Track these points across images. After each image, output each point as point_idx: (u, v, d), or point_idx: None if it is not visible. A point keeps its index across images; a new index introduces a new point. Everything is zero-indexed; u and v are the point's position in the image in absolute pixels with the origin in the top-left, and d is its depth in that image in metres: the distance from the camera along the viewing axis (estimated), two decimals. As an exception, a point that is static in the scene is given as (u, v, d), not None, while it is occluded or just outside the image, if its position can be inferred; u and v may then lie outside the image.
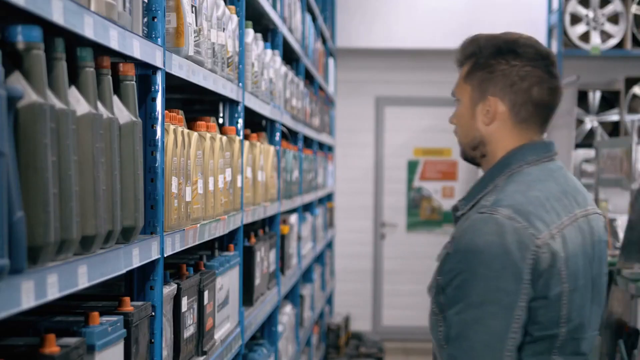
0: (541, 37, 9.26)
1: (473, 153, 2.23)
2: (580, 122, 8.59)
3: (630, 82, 8.57)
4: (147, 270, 2.28)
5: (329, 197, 8.47)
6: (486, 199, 2.13)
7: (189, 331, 2.59)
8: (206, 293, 2.76)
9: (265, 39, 4.45)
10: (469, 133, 2.22)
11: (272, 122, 4.54)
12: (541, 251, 2.06)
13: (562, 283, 2.09)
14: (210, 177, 2.81)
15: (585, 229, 2.15)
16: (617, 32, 8.53)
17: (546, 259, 2.06)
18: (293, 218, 5.30)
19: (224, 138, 3.01)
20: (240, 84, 3.44)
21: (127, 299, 2.09)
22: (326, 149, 8.12)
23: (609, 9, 8.52)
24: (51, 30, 1.64)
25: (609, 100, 8.66)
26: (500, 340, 2.04)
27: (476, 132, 2.21)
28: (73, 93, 1.77)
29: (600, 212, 2.20)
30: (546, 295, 2.07)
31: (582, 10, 8.58)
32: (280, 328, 4.63)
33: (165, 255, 2.31)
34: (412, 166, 9.65)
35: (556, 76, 2.19)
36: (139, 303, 2.16)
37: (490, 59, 2.17)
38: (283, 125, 4.82)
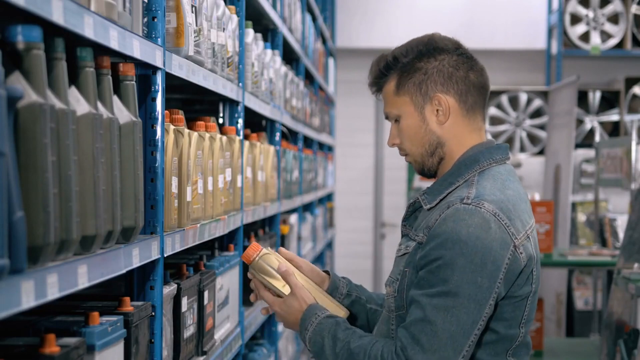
0: (541, 37, 9.27)
1: (432, 160, 2.20)
2: (580, 122, 8.59)
3: (630, 82, 8.57)
4: (147, 270, 2.28)
5: (329, 197, 8.47)
6: (461, 191, 2.11)
7: (189, 331, 2.59)
8: (206, 293, 2.76)
9: (265, 39, 4.45)
10: (424, 139, 2.19)
11: (272, 122, 4.54)
12: (518, 252, 2.07)
13: (532, 284, 2.12)
14: (210, 177, 2.81)
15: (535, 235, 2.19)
16: (617, 32, 8.54)
17: (522, 260, 2.07)
18: (293, 218, 5.30)
19: (224, 138, 3.01)
20: (240, 84, 3.44)
21: (127, 299, 2.09)
22: (326, 149, 8.12)
23: (609, 9, 8.52)
24: (51, 30, 1.64)
25: (609, 100, 8.66)
26: (465, 335, 2.02)
27: (432, 136, 2.18)
28: (73, 93, 1.77)
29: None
30: (516, 294, 2.09)
31: (582, 10, 8.58)
32: (280, 328, 4.63)
33: (165, 255, 2.31)
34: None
35: (476, 59, 2.21)
36: (139, 303, 2.16)
37: (416, 62, 2.17)
38: (283, 125, 4.82)
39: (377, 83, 2.22)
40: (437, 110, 2.17)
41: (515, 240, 2.06)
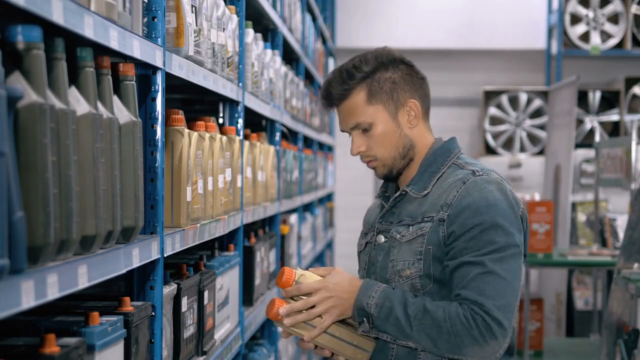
0: (541, 37, 9.27)
1: (402, 162, 2.34)
2: (580, 122, 8.59)
3: (630, 82, 8.57)
4: (147, 270, 2.28)
5: (329, 197, 8.47)
6: (458, 172, 2.28)
7: (189, 331, 2.59)
8: (206, 293, 2.76)
9: (265, 39, 4.45)
10: (398, 143, 2.32)
11: (272, 122, 4.54)
12: (523, 210, 2.28)
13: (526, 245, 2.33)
14: (210, 177, 2.81)
15: None
16: (617, 32, 8.53)
17: (524, 219, 2.28)
18: (293, 218, 5.30)
19: (224, 138, 3.01)
20: (240, 84, 3.44)
21: (127, 299, 2.09)
22: (326, 149, 8.12)
23: (609, 9, 8.52)
24: (51, 30, 1.64)
25: (609, 100, 8.66)
26: (518, 280, 2.20)
27: (405, 139, 2.33)
28: (73, 93, 1.77)
29: None
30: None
31: (582, 10, 8.58)
32: (280, 328, 4.62)
33: (165, 255, 2.31)
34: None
35: None
36: (139, 303, 2.16)
37: (383, 72, 2.32)
38: (283, 125, 4.82)
39: (343, 96, 2.32)
40: (408, 113, 2.32)
41: (520, 204, 2.28)
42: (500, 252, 2.17)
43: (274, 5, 4.42)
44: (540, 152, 8.93)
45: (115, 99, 2.02)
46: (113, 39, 1.89)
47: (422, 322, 2.17)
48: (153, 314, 2.26)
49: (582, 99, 8.56)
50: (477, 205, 2.19)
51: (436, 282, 2.23)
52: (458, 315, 2.15)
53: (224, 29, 3.01)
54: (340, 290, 2.24)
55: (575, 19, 8.60)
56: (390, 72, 2.31)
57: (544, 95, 8.96)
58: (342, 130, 2.37)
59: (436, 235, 2.22)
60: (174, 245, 2.39)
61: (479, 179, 2.24)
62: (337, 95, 2.33)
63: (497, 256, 2.17)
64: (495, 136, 9.04)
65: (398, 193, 2.34)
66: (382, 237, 2.34)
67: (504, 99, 9.02)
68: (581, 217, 8.15)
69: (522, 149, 9.01)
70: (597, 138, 8.46)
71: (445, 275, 2.22)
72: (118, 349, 1.95)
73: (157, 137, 2.30)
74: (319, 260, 7.60)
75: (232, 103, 3.46)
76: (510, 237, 2.19)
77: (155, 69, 2.31)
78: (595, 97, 8.63)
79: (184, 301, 2.52)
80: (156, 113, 2.31)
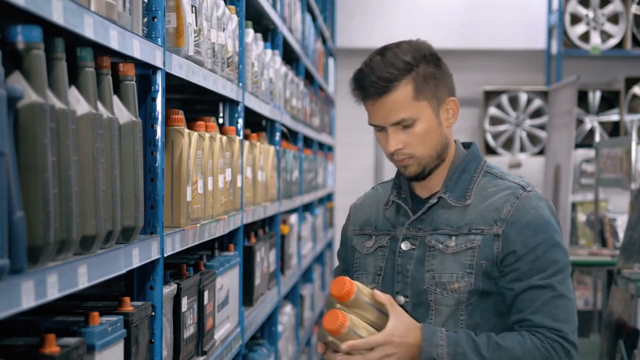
0: (541, 37, 9.27)
1: (436, 162, 2.24)
2: (580, 122, 8.59)
3: (630, 82, 8.57)
4: (147, 270, 2.28)
5: (329, 197, 8.46)
6: (499, 181, 2.27)
7: (189, 331, 2.59)
8: (206, 293, 2.76)
9: (265, 39, 4.45)
10: (437, 142, 2.22)
11: (272, 122, 4.54)
12: None
13: None
14: (210, 177, 2.81)
15: None
16: (617, 32, 8.53)
17: None
18: (293, 218, 5.30)
19: (224, 138, 3.01)
20: (240, 84, 3.44)
21: (127, 299, 2.09)
22: (326, 149, 8.12)
23: (609, 9, 8.52)
24: (51, 30, 1.64)
25: (609, 100, 8.66)
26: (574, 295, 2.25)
27: (443, 138, 2.23)
28: (73, 93, 1.77)
29: None
30: None
31: (582, 10, 8.58)
32: (280, 328, 4.63)
33: (165, 255, 2.31)
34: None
35: None
36: (139, 303, 2.16)
37: (426, 68, 2.18)
38: (283, 125, 4.82)
39: (387, 88, 2.15)
40: (447, 110, 2.23)
41: None
42: (563, 272, 2.19)
43: (274, 5, 4.42)
44: (540, 152, 8.93)
45: (115, 99, 2.02)
46: (113, 39, 1.89)
47: None
48: (153, 314, 2.26)
49: (582, 99, 8.56)
50: (536, 223, 2.19)
51: (481, 295, 2.19)
52: (536, 347, 2.15)
53: (224, 29, 3.01)
54: (405, 345, 2.12)
55: (575, 19, 8.60)
56: (432, 67, 2.19)
57: (544, 95, 8.96)
58: (374, 124, 2.21)
59: (490, 251, 2.18)
60: (174, 245, 2.39)
61: (531, 195, 2.23)
62: (380, 87, 2.15)
63: (562, 277, 2.19)
64: (495, 136, 9.03)
65: (436, 199, 2.24)
66: (409, 243, 2.24)
67: (504, 99, 9.02)
68: (581, 217, 8.15)
69: (522, 149, 9.01)
70: (597, 138, 8.46)
71: (491, 288, 2.18)
72: (118, 349, 1.95)
73: (157, 137, 2.30)
74: (319, 260, 7.60)
75: (232, 103, 3.46)
76: (566, 255, 2.21)
77: (155, 69, 2.31)
78: (595, 97, 8.63)
79: (184, 301, 2.52)
80: (156, 113, 2.31)
